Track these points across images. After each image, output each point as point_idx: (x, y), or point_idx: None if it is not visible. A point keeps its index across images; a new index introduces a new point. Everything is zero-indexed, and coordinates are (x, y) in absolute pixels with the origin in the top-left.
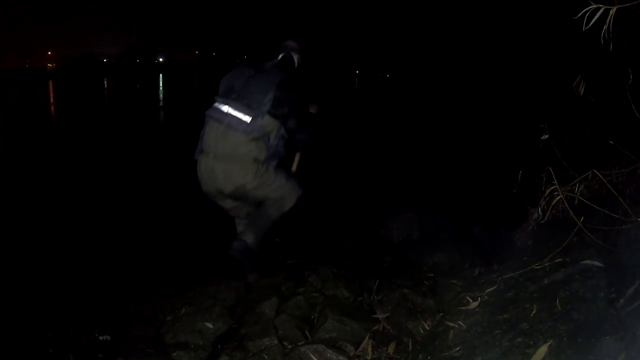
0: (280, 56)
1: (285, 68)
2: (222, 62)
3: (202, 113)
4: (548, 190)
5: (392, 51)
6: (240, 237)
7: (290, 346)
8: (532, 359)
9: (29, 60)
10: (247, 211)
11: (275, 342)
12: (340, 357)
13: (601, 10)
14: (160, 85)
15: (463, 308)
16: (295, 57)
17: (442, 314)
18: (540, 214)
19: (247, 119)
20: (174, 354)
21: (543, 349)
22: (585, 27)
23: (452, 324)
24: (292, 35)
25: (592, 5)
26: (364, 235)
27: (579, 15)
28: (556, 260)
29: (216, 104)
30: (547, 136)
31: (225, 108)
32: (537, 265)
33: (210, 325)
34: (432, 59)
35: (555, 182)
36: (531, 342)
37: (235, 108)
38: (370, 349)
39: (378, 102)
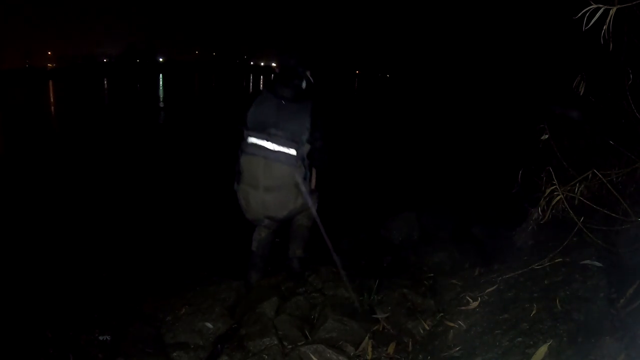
0: (303, 83)
1: (308, 93)
2: (222, 62)
3: (202, 114)
4: (548, 190)
5: (392, 51)
6: (292, 255)
7: (290, 346)
8: (532, 359)
9: (29, 60)
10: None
11: (275, 342)
12: (340, 357)
13: (601, 10)
14: (160, 85)
15: (463, 308)
16: (311, 78)
17: (442, 314)
18: (540, 214)
19: (292, 152)
20: (174, 354)
21: (543, 349)
22: (585, 27)
23: (452, 324)
24: (293, 45)
25: (592, 5)
26: (364, 235)
27: (579, 15)
28: (556, 260)
29: (253, 140)
30: (547, 136)
31: (270, 145)
32: (537, 265)
33: (210, 325)
34: (433, 59)
35: (555, 182)
36: (531, 342)
37: (280, 143)
38: (370, 349)
39: (378, 102)
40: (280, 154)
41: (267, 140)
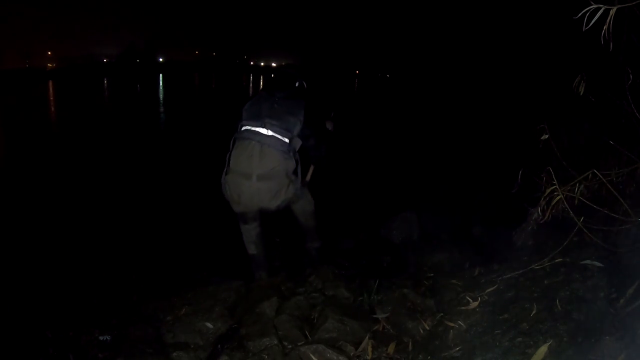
0: (297, 84)
1: (302, 94)
2: (222, 62)
3: (203, 115)
4: (548, 190)
5: (392, 51)
6: (310, 247)
7: (290, 346)
8: (532, 359)
9: (29, 60)
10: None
11: (275, 342)
12: (340, 357)
13: (601, 10)
14: (160, 85)
15: (463, 308)
16: (304, 83)
17: (442, 314)
18: (540, 214)
19: (286, 140)
20: (174, 354)
21: (543, 349)
22: (585, 27)
23: (452, 324)
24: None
25: (592, 5)
26: (364, 235)
27: (579, 15)
28: (556, 260)
29: (248, 127)
30: (547, 136)
31: (264, 130)
32: (537, 265)
33: (210, 325)
34: (433, 59)
35: (555, 182)
36: (531, 342)
37: (274, 131)
38: (370, 349)
39: (378, 102)
40: (274, 139)
41: (262, 127)
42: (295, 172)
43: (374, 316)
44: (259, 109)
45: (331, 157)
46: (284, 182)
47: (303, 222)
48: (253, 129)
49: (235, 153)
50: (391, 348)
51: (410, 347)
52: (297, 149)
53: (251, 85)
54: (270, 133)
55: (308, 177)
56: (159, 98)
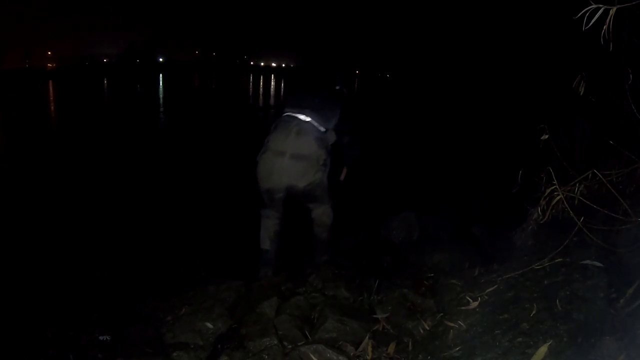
0: (337, 87)
1: (340, 98)
2: (222, 62)
3: (204, 115)
4: (548, 190)
5: (392, 51)
6: (319, 262)
7: (290, 346)
8: (532, 359)
9: (29, 60)
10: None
11: (275, 342)
12: (340, 357)
13: (601, 10)
14: (160, 85)
15: (463, 308)
16: (344, 90)
17: (442, 314)
18: (540, 214)
19: (322, 128)
20: (174, 354)
21: (543, 349)
22: (585, 27)
23: (452, 324)
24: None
25: (592, 5)
26: (364, 235)
27: (579, 15)
28: (556, 260)
29: (291, 113)
30: (547, 136)
31: (303, 117)
32: (537, 265)
33: (210, 325)
34: (433, 59)
35: (555, 182)
36: (531, 342)
37: (313, 118)
38: (370, 349)
39: (378, 102)
40: (311, 125)
41: (302, 114)
42: (325, 164)
43: (374, 316)
44: (301, 101)
45: (363, 157)
46: (315, 166)
47: (317, 233)
48: (293, 114)
49: (273, 135)
50: (391, 348)
51: (410, 347)
52: (330, 142)
53: (251, 85)
54: (308, 119)
55: (342, 177)
56: (159, 98)
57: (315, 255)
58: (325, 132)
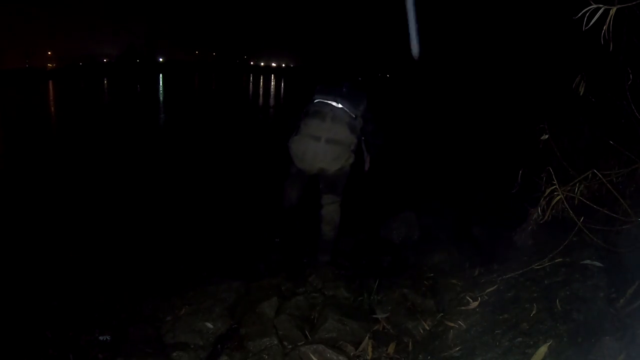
0: (360, 79)
1: (365, 87)
2: (222, 62)
3: (204, 116)
4: (548, 190)
5: (392, 51)
6: (321, 260)
7: (290, 346)
8: (532, 359)
9: (29, 60)
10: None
11: (275, 342)
12: (340, 357)
13: (601, 10)
14: (160, 86)
15: (463, 308)
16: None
17: (442, 314)
18: (540, 214)
19: (353, 115)
20: (174, 354)
21: (543, 349)
22: (585, 27)
23: (452, 324)
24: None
25: (592, 5)
26: (364, 235)
27: (579, 15)
28: (556, 260)
29: (323, 100)
30: (547, 136)
31: (335, 103)
32: (537, 265)
33: (210, 325)
34: (433, 59)
35: (555, 182)
36: (531, 342)
37: (344, 105)
38: (370, 349)
39: (378, 102)
40: (344, 111)
41: (334, 101)
42: (354, 150)
43: (374, 316)
44: (331, 90)
45: (386, 147)
46: (347, 151)
47: (325, 232)
48: (325, 101)
49: (307, 119)
50: (391, 348)
51: (410, 347)
52: (359, 129)
53: (251, 85)
54: (340, 106)
55: (366, 167)
56: (159, 98)
57: (317, 255)
58: (355, 118)
